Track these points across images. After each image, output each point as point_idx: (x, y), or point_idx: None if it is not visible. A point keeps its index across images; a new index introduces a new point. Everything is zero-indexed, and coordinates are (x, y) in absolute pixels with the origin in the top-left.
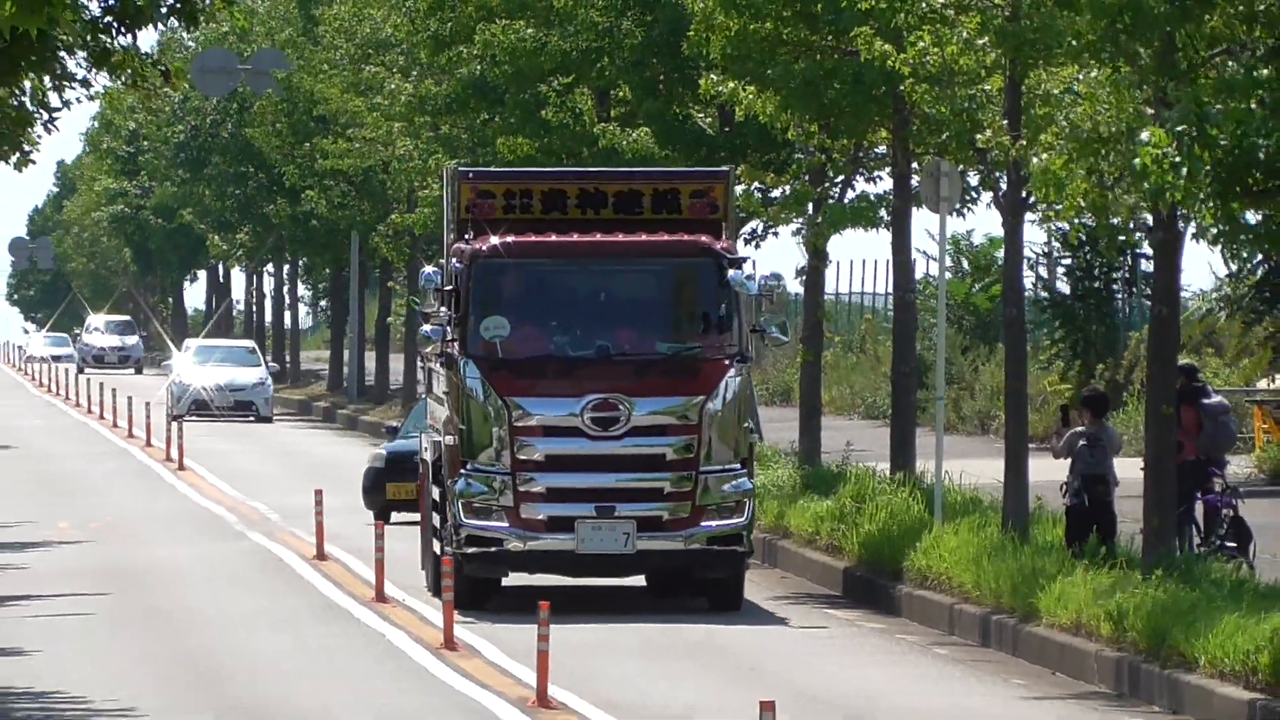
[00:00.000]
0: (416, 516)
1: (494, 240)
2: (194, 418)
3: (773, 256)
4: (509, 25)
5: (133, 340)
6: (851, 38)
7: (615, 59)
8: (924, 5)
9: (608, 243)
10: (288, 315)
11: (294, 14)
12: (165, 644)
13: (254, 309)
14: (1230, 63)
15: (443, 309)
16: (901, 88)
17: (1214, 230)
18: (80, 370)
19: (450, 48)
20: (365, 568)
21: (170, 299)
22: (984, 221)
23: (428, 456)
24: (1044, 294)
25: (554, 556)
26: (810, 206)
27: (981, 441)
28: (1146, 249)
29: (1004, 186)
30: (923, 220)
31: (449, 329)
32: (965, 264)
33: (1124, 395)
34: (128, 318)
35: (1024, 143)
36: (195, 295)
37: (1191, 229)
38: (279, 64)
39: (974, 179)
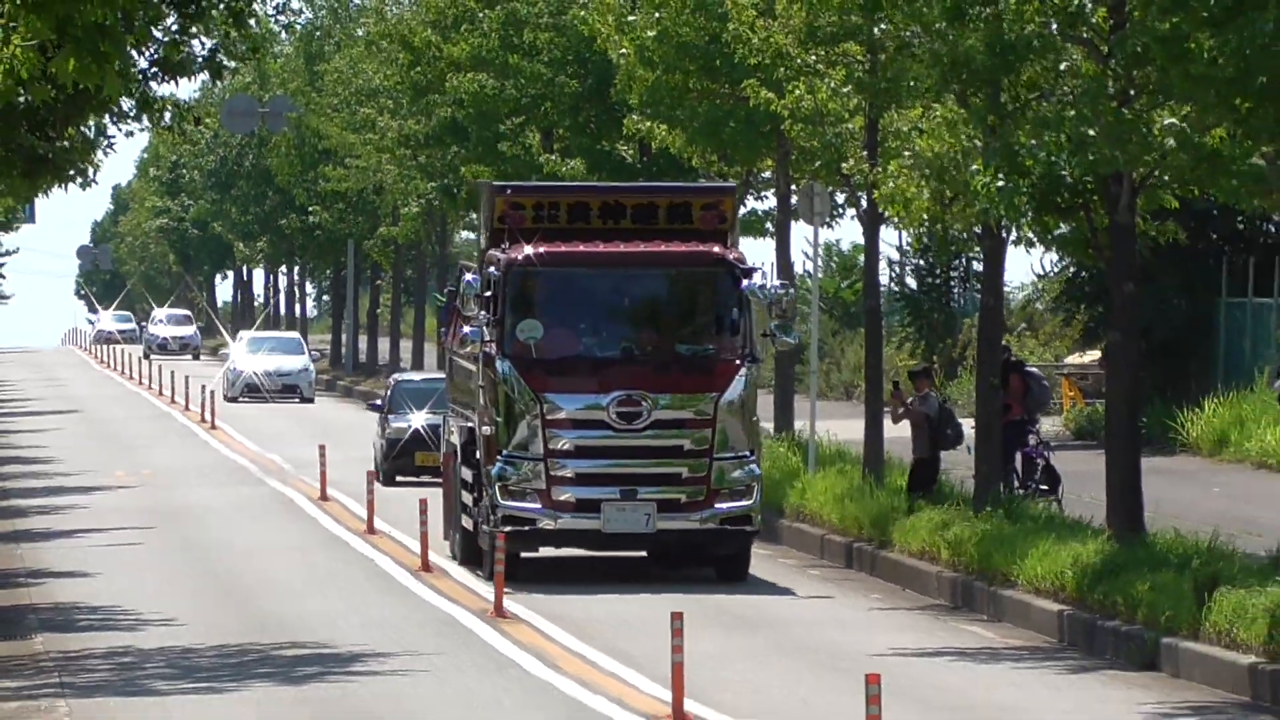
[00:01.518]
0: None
1: (528, 250)
2: (246, 400)
3: None
4: (473, 77)
5: (190, 330)
6: (743, 87)
7: (556, 104)
8: (799, 62)
9: (632, 253)
10: (298, 307)
11: (301, 68)
12: (199, 568)
13: (271, 302)
14: (1043, 104)
15: (482, 312)
16: (783, 126)
17: (1030, 238)
18: (146, 356)
19: (427, 95)
20: (359, 507)
21: (205, 294)
22: (849, 231)
23: (455, 439)
24: (896, 289)
25: (582, 534)
26: None
27: (847, 406)
28: (978, 252)
29: (864, 204)
30: (800, 230)
31: (487, 330)
32: (834, 265)
33: (959, 370)
34: (187, 311)
35: (879, 169)
36: (224, 291)
37: (1013, 237)
38: (290, 108)
39: (840, 198)
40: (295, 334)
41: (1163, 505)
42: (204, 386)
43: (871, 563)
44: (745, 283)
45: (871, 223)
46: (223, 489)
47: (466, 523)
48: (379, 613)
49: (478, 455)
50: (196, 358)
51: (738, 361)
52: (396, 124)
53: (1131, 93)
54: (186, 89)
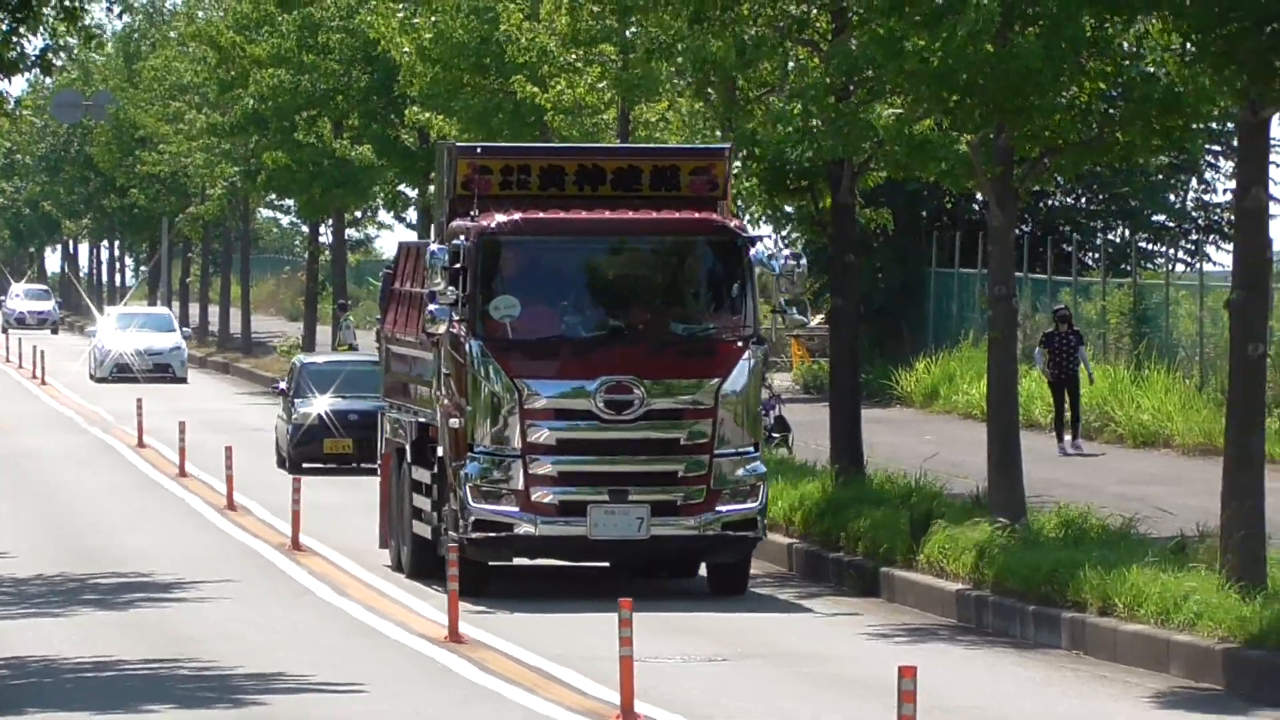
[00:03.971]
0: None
1: (501, 217)
2: (116, 380)
3: None
4: (273, 73)
5: (49, 305)
6: (511, 82)
7: (347, 97)
8: (561, 60)
9: (621, 220)
10: (118, 277)
11: (121, 66)
12: (33, 507)
13: (94, 272)
14: (773, 98)
15: (450, 288)
16: (546, 117)
17: (763, 216)
18: (4, 330)
19: (231, 89)
20: (172, 453)
21: (35, 266)
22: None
23: (401, 437)
24: None
25: (565, 541)
26: None
27: None
28: None
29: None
30: None
31: (454, 308)
32: None
33: None
34: (45, 287)
35: None
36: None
37: (748, 216)
38: (111, 101)
39: None
40: (166, 310)
41: (880, 450)
42: (38, 349)
43: None
44: (753, 251)
45: None
46: (52, 436)
47: (421, 529)
48: (191, 547)
49: (439, 452)
50: (55, 332)
51: (740, 343)
52: (204, 115)
53: (851, 88)
54: (18, 83)
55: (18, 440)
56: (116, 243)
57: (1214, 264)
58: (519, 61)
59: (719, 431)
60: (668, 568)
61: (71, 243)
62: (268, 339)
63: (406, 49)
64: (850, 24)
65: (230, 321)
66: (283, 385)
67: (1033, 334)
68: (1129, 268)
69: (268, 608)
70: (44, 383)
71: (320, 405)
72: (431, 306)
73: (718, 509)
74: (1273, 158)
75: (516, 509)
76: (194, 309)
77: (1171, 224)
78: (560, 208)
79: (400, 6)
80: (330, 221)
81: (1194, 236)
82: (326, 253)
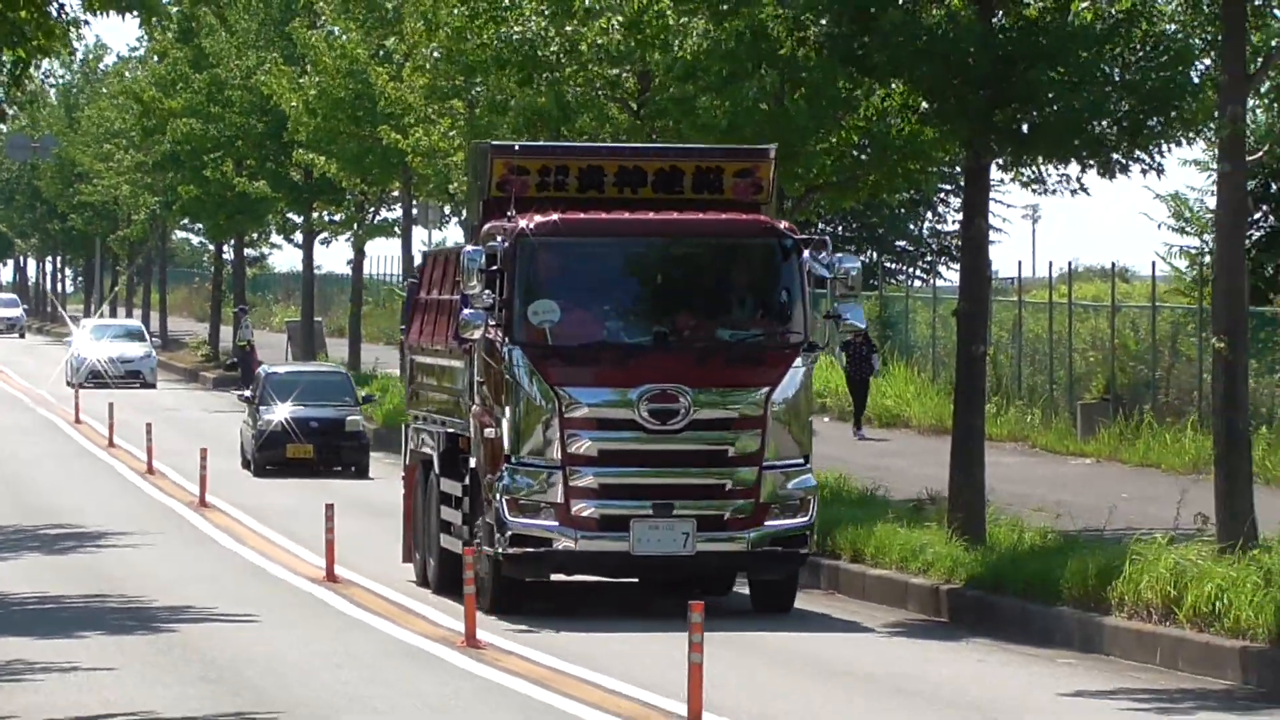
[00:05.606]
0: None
1: (539, 217)
2: (90, 386)
3: (334, 255)
4: (186, 122)
5: (17, 312)
6: (379, 131)
7: (246, 141)
8: (419, 113)
9: (665, 221)
10: (59, 286)
11: (63, 115)
12: None
13: (41, 282)
14: (606, 131)
15: (486, 292)
16: (407, 159)
17: None
18: None
19: (152, 135)
20: (102, 427)
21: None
22: (454, 234)
23: (428, 448)
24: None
25: (607, 558)
26: (356, 224)
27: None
28: None
29: (464, 214)
30: (419, 233)
31: (491, 313)
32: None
33: None
34: (14, 295)
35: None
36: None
37: None
38: (55, 144)
39: (447, 210)
40: (137, 321)
41: None
42: None
43: None
44: (806, 253)
45: (474, 227)
46: (4, 415)
47: (451, 544)
48: (118, 504)
49: (471, 463)
50: (22, 336)
51: (790, 350)
52: (130, 155)
53: (654, 137)
54: None
55: None
56: (59, 258)
57: (944, 280)
58: (386, 113)
59: (768, 443)
60: (701, 584)
61: (22, 258)
62: (181, 336)
63: (295, 103)
64: (654, 86)
65: (150, 322)
66: (248, 393)
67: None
68: (876, 283)
69: (180, 552)
70: None
71: (283, 412)
72: (466, 311)
73: (766, 524)
74: (992, 195)
75: (555, 523)
76: (121, 312)
77: (911, 248)
78: (600, 210)
79: (290, 69)
80: (232, 242)
81: (929, 258)
82: (229, 267)
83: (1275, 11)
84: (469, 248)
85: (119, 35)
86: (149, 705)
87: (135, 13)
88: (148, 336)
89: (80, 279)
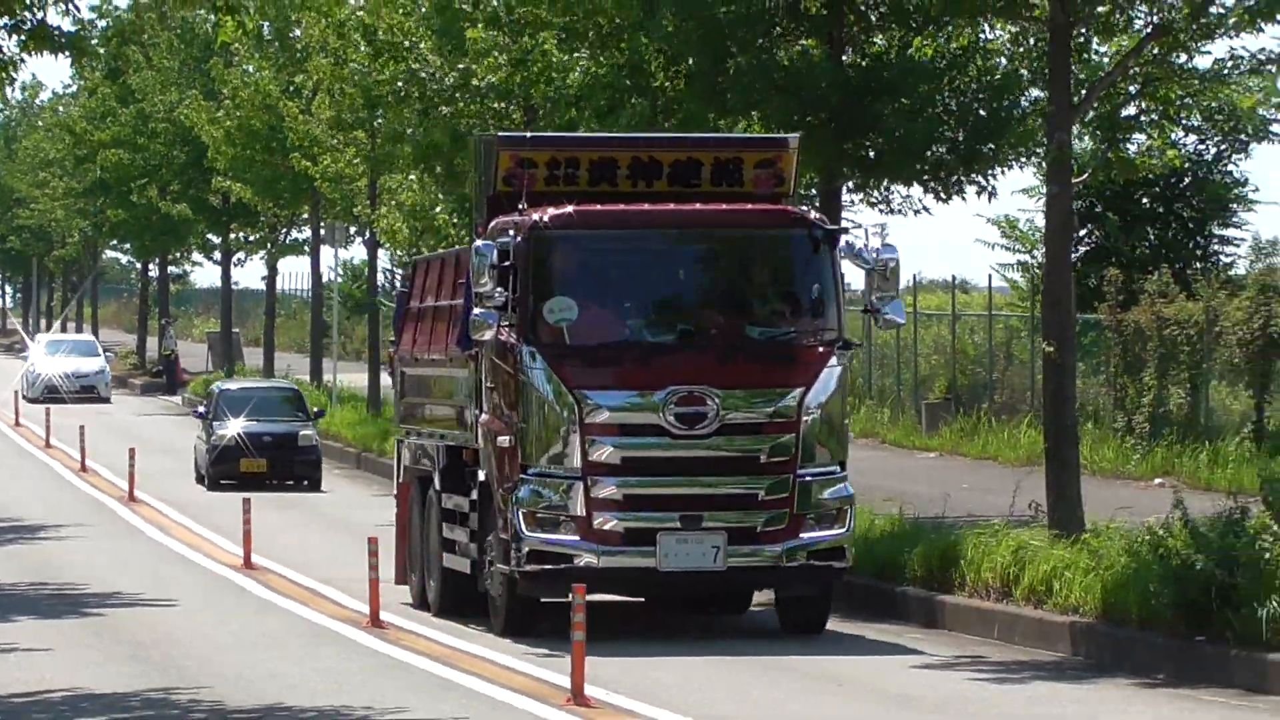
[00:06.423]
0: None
1: (553, 210)
2: (46, 400)
3: (249, 272)
4: (114, 152)
5: None
6: (291, 159)
7: (169, 169)
8: (326, 143)
9: (687, 212)
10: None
11: (2, 146)
12: None
13: None
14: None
15: (498, 290)
16: (316, 184)
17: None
18: None
19: (84, 163)
20: (40, 430)
21: None
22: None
23: (426, 462)
24: (391, 288)
25: (632, 574)
26: (269, 244)
27: (357, 364)
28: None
29: (368, 234)
30: (327, 251)
31: (503, 312)
32: (349, 274)
33: None
34: None
35: (377, 212)
36: None
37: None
38: None
39: (353, 230)
40: (91, 337)
41: None
42: None
43: (367, 463)
44: (844, 243)
45: (373, 246)
46: None
47: (455, 563)
48: (54, 498)
49: (480, 476)
50: None
51: (824, 349)
52: (64, 182)
53: None
54: None
55: None
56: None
57: None
58: (296, 143)
59: (802, 448)
60: (715, 602)
61: None
62: (112, 346)
63: (213, 134)
64: (538, 116)
65: (71, 331)
66: (202, 409)
67: None
68: None
69: (110, 543)
70: None
71: (236, 427)
72: (476, 311)
73: (802, 536)
74: (844, 214)
75: (577, 538)
76: (55, 325)
77: None
78: (611, 205)
79: (209, 104)
80: (157, 260)
81: None
82: (154, 283)
83: (1096, 48)
84: (480, 242)
85: (53, 73)
86: (83, 682)
87: (67, 53)
88: (101, 351)
89: (19, 295)
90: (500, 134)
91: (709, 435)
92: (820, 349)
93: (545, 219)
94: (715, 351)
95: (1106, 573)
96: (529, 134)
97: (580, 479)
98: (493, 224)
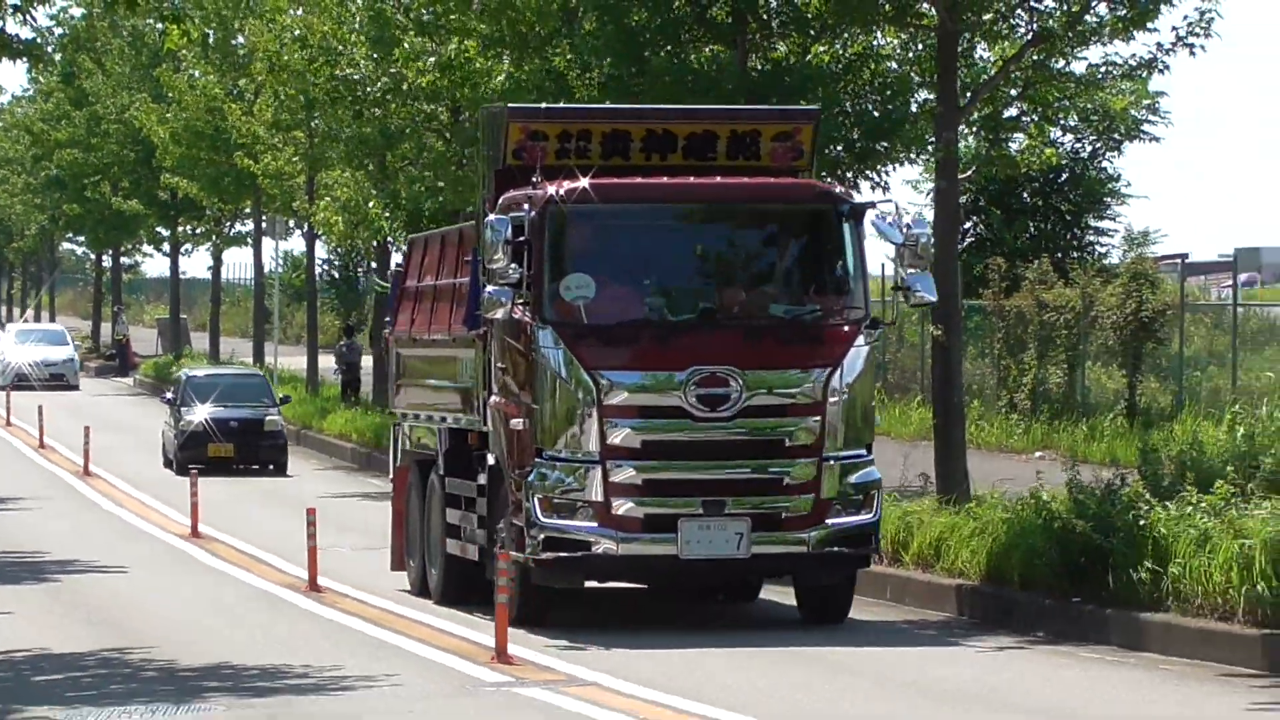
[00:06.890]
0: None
1: (569, 183)
2: (16, 389)
3: (196, 262)
4: (70, 152)
5: None
6: (234, 157)
7: (120, 167)
8: (267, 142)
9: (708, 186)
10: None
11: None
12: None
13: None
14: (411, 168)
15: (511, 266)
16: (259, 181)
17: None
18: None
19: (41, 161)
20: (1, 409)
21: None
22: (297, 243)
23: (426, 451)
24: (327, 277)
25: (652, 562)
26: (215, 236)
27: (298, 348)
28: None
29: (306, 227)
30: (269, 244)
31: (517, 290)
32: (289, 264)
33: (361, 326)
34: None
35: (315, 206)
36: None
37: (393, 247)
38: None
39: (292, 223)
40: (60, 326)
41: None
42: None
43: (306, 439)
44: (873, 218)
45: (311, 238)
46: None
47: (459, 549)
48: (14, 471)
49: (490, 460)
50: None
51: (850, 327)
52: (22, 179)
53: (464, 161)
54: None
55: None
56: None
57: None
58: (240, 143)
59: (829, 430)
60: (723, 590)
61: None
62: (68, 331)
63: (162, 134)
64: (464, 118)
65: (42, 320)
66: (170, 395)
67: None
68: None
69: (67, 515)
70: None
71: (203, 413)
72: (489, 288)
73: (829, 522)
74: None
75: (594, 524)
76: (16, 312)
77: None
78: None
79: (158, 106)
80: (110, 251)
81: None
82: (108, 273)
83: (980, 53)
84: (493, 216)
85: (11, 77)
86: (43, 643)
87: (25, 59)
88: (70, 340)
89: None
90: (510, 105)
91: (732, 417)
92: (847, 328)
93: (560, 193)
94: (738, 330)
95: (991, 537)
96: (542, 105)
97: (598, 463)
98: (503, 198)
